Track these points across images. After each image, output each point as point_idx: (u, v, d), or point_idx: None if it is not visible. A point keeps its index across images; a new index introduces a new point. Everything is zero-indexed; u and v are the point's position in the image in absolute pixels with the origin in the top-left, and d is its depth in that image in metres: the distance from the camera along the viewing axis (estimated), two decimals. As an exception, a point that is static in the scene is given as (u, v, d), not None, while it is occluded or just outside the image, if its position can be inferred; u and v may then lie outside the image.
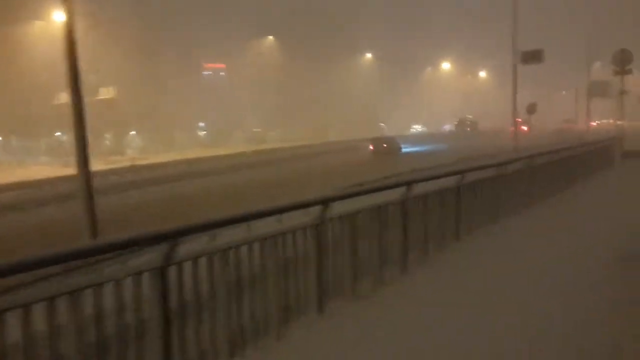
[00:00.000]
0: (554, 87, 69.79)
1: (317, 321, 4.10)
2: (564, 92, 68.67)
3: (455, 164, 17.86)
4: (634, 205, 8.97)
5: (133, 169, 28.37)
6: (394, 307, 4.59)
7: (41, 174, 26.51)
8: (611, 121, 21.94)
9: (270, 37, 54.94)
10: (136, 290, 2.72)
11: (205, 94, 52.19)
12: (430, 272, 5.64)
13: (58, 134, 44.16)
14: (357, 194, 4.62)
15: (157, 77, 47.37)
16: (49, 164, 36.87)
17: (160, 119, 48.90)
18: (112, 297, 2.61)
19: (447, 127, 63.68)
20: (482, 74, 75.93)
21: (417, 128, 68.39)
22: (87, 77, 39.60)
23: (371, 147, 35.46)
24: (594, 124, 51.93)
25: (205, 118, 54.78)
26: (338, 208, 4.53)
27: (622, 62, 16.33)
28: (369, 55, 64.31)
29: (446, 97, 67.70)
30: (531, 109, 35.78)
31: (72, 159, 31.90)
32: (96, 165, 34.53)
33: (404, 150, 35.58)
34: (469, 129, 56.82)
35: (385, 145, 35.18)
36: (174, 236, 2.79)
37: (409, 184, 5.31)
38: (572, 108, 54.48)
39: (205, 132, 55.59)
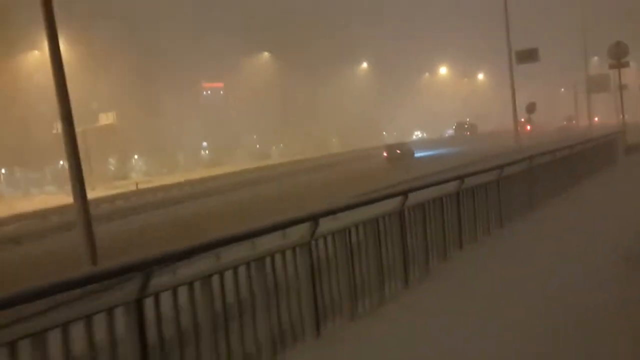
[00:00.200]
0: (554, 84, 69.46)
1: (314, 346, 3.87)
2: (562, 90, 68.31)
3: (473, 164, 18.20)
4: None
5: (137, 193, 28.30)
6: (397, 325, 4.36)
7: (46, 204, 26.50)
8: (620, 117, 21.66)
9: (266, 53, 55.16)
10: (110, 326, 2.53)
11: (206, 113, 52.36)
12: (433, 284, 5.42)
13: (61, 162, 44.22)
14: (347, 207, 4.41)
15: (156, 100, 47.55)
16: (54, 194, 36.86)
17: (163, 141, 49.02)
18: (83, 335, 2.43)
19: (450, 132, 63.47)
20: (480, 76, 75.84)
21: (418, 134, 68.25)
22: (87, 105, 39.79)
23: (385, 154, 35.81)
24: (594, 120, 51.57)
25: (206, 137, 54.89)
26: (331, 224, 4.35)
27: (617, 55, 16.13)
28: (365, 65, 64.45)
29: (445, 101, 67.54)
30: (531, 109, 35.61)
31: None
32: (101, 190, 34.80)
33: (416, 155, 36.17)
34: (467, 132, 56.39)
35: (398, 152, 35.50)
36: (147, 267, 2.61)
37: (404, 193, 5.10)
38: (572, 105, 54.15)
39: (207, 152, 55.62)
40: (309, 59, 53.87)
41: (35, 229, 18.68)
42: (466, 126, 58.41)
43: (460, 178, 6.38)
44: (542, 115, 50.84)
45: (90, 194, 32.41)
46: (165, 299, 2.82)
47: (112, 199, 26.02)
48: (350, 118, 58.78)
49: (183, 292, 2.94)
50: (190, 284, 2.95)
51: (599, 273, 5.23)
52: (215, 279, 3.10)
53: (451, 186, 6.38)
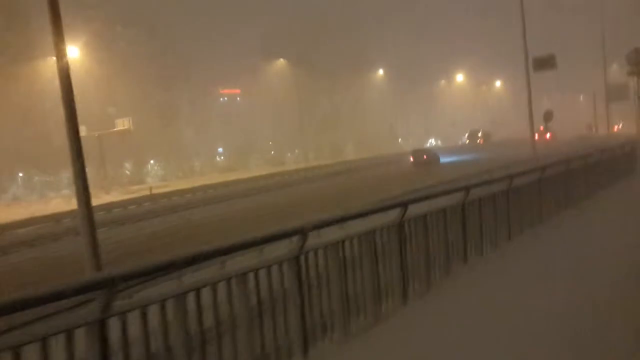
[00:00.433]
0: (573, 92, 68.53)
1: (301, 368, 3.66)
2: (581, 97, 67.39)
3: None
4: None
5: (150, 197, 28.43)
6: (393, 346, 4.12)
7: (61, 208, 26.73)
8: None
9: (282, 60, 55.25)
10: (69, 350, 2.36)
11: (222, 119, 52.62)
12: (434, 301, 5.16)
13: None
14: (341, 219, 4.19)
15: (173, 106, 47.93)
16: (70, 197, 37.16)
17: (179, 147, 49.33)
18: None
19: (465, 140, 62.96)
20: (498, 83, 75.11)
21: (432, 142, 67.77)
22: (105, 110, 40.14)
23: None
24: (615, 128, 50.67)
25: (222, 143, 55.11)
26: (325, 237, 4.16)
27: (636, 62, 15.74)
28: (381, 72, 64.20)
29: (462, 109, 66.98)
30: (548, 117, 35.04)
31: (94, 191, 32.00)
32: (116, 195, 35.06)
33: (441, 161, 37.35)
34: (479, 141, 55.75)
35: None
36: (111, 284, 2.44)
37: (404, 204, 4.89)
38: (591, 113, 53.29)
39: (222, 157, 55.79)
40: (325, 65, 53.87)
41: (48, 232, 18.80)
42: (479, 134, 57.79)
43: (466, 189, 6.14)
44: (561, 124, 50.11)
45: (105, 198, 32.82)
46: (135, 318, 2.64)
47: (125, 203, 26.19)
48: (366, 125, 58.63)
49: (156, 312, 2.76)
50: (162, 303, 2.77)
51: (613, 296, 4.93)
52: (192, 297, 2.92)
53: (455, 198, 6.13)
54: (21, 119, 38.47)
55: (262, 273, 3.41)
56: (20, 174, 43.41)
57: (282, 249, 3.69)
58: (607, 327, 4.37)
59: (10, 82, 37.95)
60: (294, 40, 52.49)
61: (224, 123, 52.88)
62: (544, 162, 9.56)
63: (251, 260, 3.60)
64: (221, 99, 56.36)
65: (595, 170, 11.55)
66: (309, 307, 3.75)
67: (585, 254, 6.58)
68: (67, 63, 9.91)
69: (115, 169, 44.57)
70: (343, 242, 4.21)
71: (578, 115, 60.99)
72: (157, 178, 47.50)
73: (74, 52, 39.34)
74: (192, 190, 30.29)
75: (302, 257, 3.73)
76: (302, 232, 3.62)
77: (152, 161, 50.03)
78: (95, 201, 30.13)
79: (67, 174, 44.78)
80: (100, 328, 2.42)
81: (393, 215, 4.93)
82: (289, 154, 56.69)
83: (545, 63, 27.26)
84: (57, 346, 2.32)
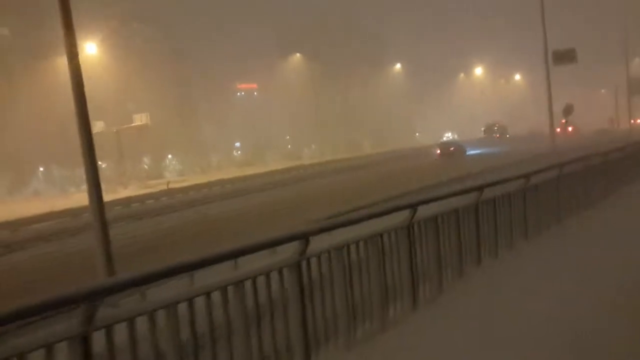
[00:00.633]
0: (594, 86, 67.35)
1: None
2: (603, 91, 66.17)
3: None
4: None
5: (168, 192, 28.53)
6: (401, 353, 3.95)
7: (80, 202, 26.94)
8: None
9: (298, 55, 55.08)
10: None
11: (239, 114, 52.74)
12: (446, 305, 4.98)
13: (99, 163, 44.97)
14: (343, 224, 4.03)
15: (191, 101, 48.15)
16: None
17: (197, 141, 49.57)
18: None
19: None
20: (517, 77, 74.06)
21: (448, 136, 67.05)
22: (124, 105, 40.52)
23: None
24: (637, 121, 49.71)
25: (239, 138, 55.26)
26: (329, 240, 4.00)
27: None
28: (398, 66, 63.69)
29: (480, 103, 66.15)
30: (568, 110, 34.39)
31: (112, 186, 32.22)
32: (134, 190, 35.37)
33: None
34: (497, 135, 54.82)
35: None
36: (94, 297, 2.32)
37: (412, 206, 4.71)
38: (612, 107, 52.33)
39: (239, 152, 55.93)
40: (342, 60, 53.65)
41: (66, 227, 18.93)
42: (496, 128, 56.79)
43: (480, 189, 5.93)
44: (581, 117, 49.26)
45: (123, 193, 33.07)
46: (121, 331, 2.52)
47: (142, 198, 26.32)
48: (383, 119, 58.26)
49: (144, 323, 2.63)
50: (151, 314, 2.64)
51: (634, 300, 4.69)
52: (184, 306, 2.79)
53: (469, 197, 5.92)
54: (43, 114, 38.96)
55: (261, 280, 3.27)
56: (41, 169, 43.99)
57: (282, 253, 3.55)
58: (629, 331, 4.18)
59: (33, 78, 38.47)
60: (310, 36, 52.33)
61: (241, 118, 53.01)
62: (562, 159, 9.26)
63: (248, 266, 3.45)
64: (238, 94, 56.48)
65: (617, 166, 11.21)
66: (311, 313, 3.61)
67: (606, 255, 6.33)
68: (77, 59, 9.82)
69: (133, 163, 44.94)
70: (348, 245, 4.05)
71: (599, 109, 59.91)
72: (174, 173, 47.81)
73: (92, 48, 39.68)
74: (209, 184, 30.35)
75: (304, 263, 3.58)
76: (304, 237, 3.47)
77: (169, 156, 50.36)
78: (113, 196, 30.55)
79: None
80: (83, 342, 2.30)
81: (402, 216, 4.76)
82: (305, 149, 56.62)
83: (565, 56, 26.72)
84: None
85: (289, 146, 57.12)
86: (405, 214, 4.72)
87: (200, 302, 2.88)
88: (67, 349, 2.28)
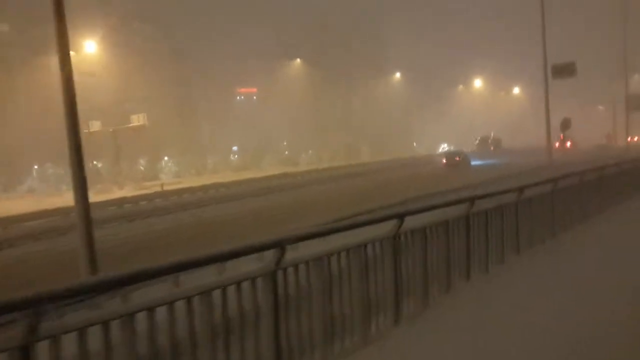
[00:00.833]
0: (592, 102, 67.56)
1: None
2: (601, 107, 66.38)
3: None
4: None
5: (162, 194, 28.32)
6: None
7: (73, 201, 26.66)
8: None
9: (298, 60, 55.01)
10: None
11: (238, 118, 52.58)
12: (431, 321, 4.78)
13: (94, 162, 44.74)
14: (321, 234, 3.82)
15: (190, 103, 47.98)
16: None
17: (194, 144, 49.36)
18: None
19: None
20: (516, 90, 74.16)
21: (444, 147, 67.00)
22: (121, 106, 40.19)
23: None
24: (634, 139, 49.78)
25: (237, 142, 55.06)
26: (310, 249, 3.82)
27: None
28: (398, 75, 63.69)
29: (478, 114, 66.12)
30: (565, 125, 34.37)
31: (107, 186, 31.91)
32: (128, 190, 35.15)
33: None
34: (491, 147, 54.58)
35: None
36: (37, 304, 2.11)
37: (399, 216, 4.53)
38: (610, 123, 52.45)
39: (236, 156, 55.72)
40: (342, 67, 53.59)
41: (56, 226, 18.69)
42: (490, 140, 56.52)
43: (471, 200, 5.75)
44: (579, 132, 49.37)
45: (118, 193, 32.81)
46: (70, 341, 2.32)
47: (137, 199, 26.09)
48: (382, 128, 58.16)
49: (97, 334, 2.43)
50: (105, 324, 2.44)
51: (623, 317, 4.51)
52: (143, 317, 2.58)
53: (459, 209, 5.74)
54: (39, 112, 38.71)
55: (231, 290, 3.06)
56: (36, 167, 43.70)
57: (257, 262, 3.35)
58: (622, 352, 4.01)
59: (31, 75, 38.23)
60: (311, 41, 52.28)
61: (240, 122, 52.83)
62: (557, 173, 9.11)
63: (217, 275, 3.25)
64: (237, 98, 56.33)
65: (612, 182, 11.06)
66: (285, 327, 3.41)
67: (600, 272, 6.17)
68: (69, 59, 9.69)
69: (130, 164, 44.67)
70: (329, 256, 3.85)
71: (597, 124, 60.04)
72: (170, 175, 47.55)
73: (91, 47, 39.52)
74: (204, 188, 30.13)
75: (280, 273, 3.39)
76: (280, 246, 3.28)
77: (166, 158, 50.11)
78: (108, 196, 30.26)
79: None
80: (24, 354, 2.11)
81: (389, 226, 4.57)
82: (303, 155, 56.46)
83: (564, 70, 26.65)
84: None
85: (287, 152, 56.96)
86: (392, 224, 4.53)
87: (161, 313, 2.68)
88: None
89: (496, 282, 6.01)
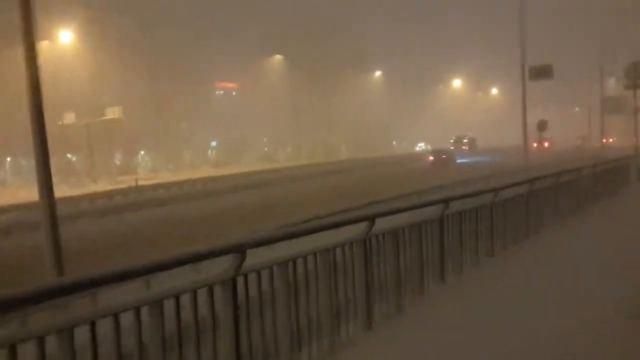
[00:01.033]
0: (569, 103, 68.66)
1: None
2: (577, 109, 67.48)
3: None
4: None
5: (137, 189, 27.83)
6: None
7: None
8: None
9: (278, 56, 54.68)
10: None
11: (217, 113, 52.08)
12: (404, 325, 4.62)
13: (68, 155, 43.92)
14: (285, 237, 3.60)
15: (168, 97, 47.32)
16: (57, 184, 36.57)
17: (171, 139, 48.74)
18: None
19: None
20: (494, 91, 74.87)
21: (421, 146, 67.33)
22: (96, 98, 39.43)
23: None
24: (609, 140, 50.67)
25: (216, 137, 54.57)
26: (270, 253, 3.62)
27: (634, 76, 15.33)
28: (378, 73, 63.77)
29: (456, 115, 66.54)
30: (542, 126, 34.85)
31: (82, 180, 31.29)
32: (103, 185, 34.55)
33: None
34: (465, 147, 54.60)
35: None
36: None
37: (370, 218, 4.36)
38: (586, 125, 53.35)
39: (214, 152, 55.22)
40: (322, 64, 53.41)
41: (29, 220, 18.15)
42: (465, 140, 56.52)
43: (445, 202, 5.62)
44: (555, 134, 50.10)
45: (91, 187, 32.16)
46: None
47: (111, 194, 25.57)
48: (361, 126, 58.16)
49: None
50: (41, 341, 2.20)
51: (598, 333, 4.40)
52: (85, 330, 2.35)
53: (433, 211, 5.60)
54: (13, 103, 37.72)
55: (185, 299, 2.84)
56: (9, 159, 42.68)
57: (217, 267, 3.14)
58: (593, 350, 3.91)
59: (3, 66, 37.21)
60: (292, 37, 52.00)
61: (219, 117, 52.34)
62: (533, 174, 9.07)
63: (170, 282, 3.02)
64: (217, 93, 55.81)
65: (587, 183, 11.09)
66: (246, 336, 3.20)
67: (575, 274, 6.11)
68: (34, 48, 9.27)
69: (105, 158, 43.92)
70: (295, 260, 3.66)
71: (574, 126, 61.06)
72: (147, 169, 46.90)
73: (67, 37, 38.66)
74: (179, 183, 29.70)
75: (241, 279, 3.18)
76: (239, 250, 3.07)
77: (142, 152, 49.41)
78: (81, 190, 29.64)
79: (55, 160, 44.14)
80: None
81: (359, 228, 4.40)
82: (281, 151, 56.21)
83: (541, 72, 26.91)
84: None
85: (266, 148, 56.64)
86: (363, 226, 4.36)
87: (106, 325, 2.45)
88: None
89: (471, 285, 5.91)
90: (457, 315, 4.92)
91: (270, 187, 28.21)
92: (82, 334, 2.35)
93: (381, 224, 4.73)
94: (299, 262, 3.70)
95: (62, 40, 38.43)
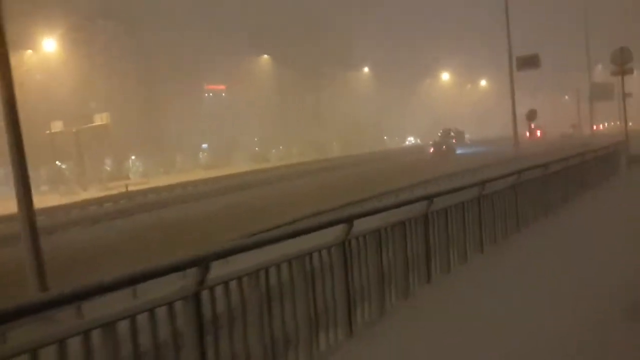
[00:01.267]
0: (558, 92, 68.77)
1: None
2: (566, 97, 67.57)
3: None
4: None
5: (126, 195, 27.52)
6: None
7: (36, 204, 25.74)
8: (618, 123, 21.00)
9: (265, 56, 54.49)
10: None
11: (206, 115, 51.87)
12: (388, 330, 4.41)
13: (58, 163, 43.54)
14: (249, 247, 3.39)
15: (157, 101, 47.06)
16: (47, 193, 36.34)
17: (162, 143, 48.48)
18: None
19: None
20: (483, 82, 74.85)
21: (411, 140, 67.16)
22: (84, 105, 39.06)
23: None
24: (600, 127, 50.78)
25: (206, 139, 54.35)
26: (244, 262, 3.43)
27: (621, 61, 15.19)
28: (366, 70, 63.66)
29: (446, 107, 66.41)
30: (531, 116, 34.77)
31: (72, 187, 30.98)
32: (94, 192, 34.23)
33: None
34: (453, 140, 54.14)
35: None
36: None
37: (348, 220, 4.17)
38: (575, 112, 53.39)
39: (206, 154, 54.97)
40: (310, 62, 53.24)
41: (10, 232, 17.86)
42: (452, 134, 55.89)
43: (429, 199, 5.44)
44: (547, 122, 50.16)
45: (82, 195, 31.82)
46: None
47: (101, 201, 25.25)
48: (351, 122, 58.01)
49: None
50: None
51: (594, 333, 4.23)
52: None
53: (417, 208, 5.41)
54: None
55: (143, 318, 2.64)
56: (-1, 170, 42.23)
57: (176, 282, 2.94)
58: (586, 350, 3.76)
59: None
60: (278, 37, 51.81)
61: (209, 119, 52.13)
62: (521, 165, 8.92)
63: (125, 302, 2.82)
64: (206, 95, 55.58)
65: (578, 172, 10.95)
66: (214, 354, 3.00)
67: (565, 266, 5.95)
68: (7, 56, 9.00)
69: (95, 165, 43.58)
70: (267, 269, 3.46)
71: (564, 114, 61.10)
72: (138, 174, 46.57)
73: (50, 45, 38.20)
74: (170, 187, 29.40)
75: (206, 293, 2.98)
76: (202, 263, 2.87)
77: (133, 157, 49.06)
78: (71, 198, 29.31)
79: (45, 170, 43.70)
80: None
81: (338, 231, 4.21)
82: (273, 151, 55.97)
83: (528, 62, 26.80)
84: None
85: (257, 148, 56.41)
86: (340, 229, 4.17)
87: (50, 352, 2.26)
88: None
89: (459, 284, 5.72)
90: (443, 317, 4.74)
91: (261, 188, 27.98)
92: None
93: (363, 224, 4.55)
94: (272, 270, 3.50)
95: (46, 48, 38.03)
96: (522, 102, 34.72)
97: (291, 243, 3.69)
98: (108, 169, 46.20)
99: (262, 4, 50.38)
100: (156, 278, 2.69)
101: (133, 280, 2.57)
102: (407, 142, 65.18)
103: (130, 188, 30.44)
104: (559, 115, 60.35)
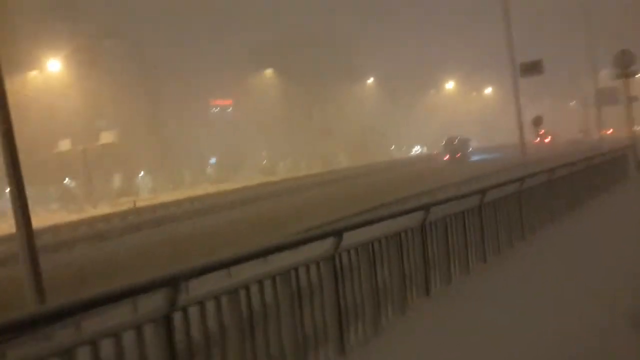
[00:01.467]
0: (564, 98, 68.27)
1: None
2: (572, 103, 67.04)
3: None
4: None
5: (135, 211, 27.58)
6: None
7: (44, 222, 25.91)
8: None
9: (270, 70, 54.74)
10: None
11: (214, 130, 52.11)
12: (383, 349, 4.21)
13: (66, 181, 43.82)
14: (225, 264, 3.18)
15: (163, 118, 47.39)
16: (57, 211, 36.58)
17: (170, 159, 48.68)
18: None
19: None
20: (488, 90, 74.45)
21: (417, 149, 66.77)
22: (93, 124, 39.30)
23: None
24: (608, 132, 50.15)
25: (214, 154, 54.58)
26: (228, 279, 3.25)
27: (624, 64, 14.89)
28: (371, 80, 63.69)
29: (452, 116, 65.97)
30: (537, 122, 34.37)
31: (82, 205, 31.21)
32: (103, 209, 34.39)
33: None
34: (470, 148, 53.28)
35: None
36: None
37: (337, 233, 3.98)
38: (582, 118, 52.94)
39: (214, 168, 55.13)
40: (315, 75, 53.38)
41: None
42: (455, 142, 54.87)
43: (425, 208, 5.24)
44: (556, 129, 49.75)
45: (91, 212, 31.97)
46: None
47: (106, 218, 25.26)
48: (358, 133, 57.92)
49: None
50: None
51: (601, 344, 4.01)
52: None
53: (414, 218, 5.21)
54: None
55: (107, 345, 2.46)
56: (7, 190, 42.49)
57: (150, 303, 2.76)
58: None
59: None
60: (281, 50, 52.07)
61: (216, 134, 52.36)
62: (525, 171, 8.69)
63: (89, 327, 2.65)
64: (213, 110, 55.90)
65: (585, 177, 10.69)
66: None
67: (571, 276, 5.71)
68: (2, 81, 8.91)
69: (104, 182, 43.80)
70: (248, 287, 3.28)
71: (571, 120, 60.65)
72: (146, 190, 46.71)
73: (55, 65, 38.47)
74: (178, 202, 29.38)
75: (179, 315, 2.80)
76: (172, 284, 2.69)
77: (142, 173, 49.25)
78: (80, 215, 29.49)
79: (55, 189, 43.94)
80: None
81: (327, 244, 4.02)
82: (281, 164, 55.97)
83: (532, 68, 26.53)
84: None
85: (264, 161, 56.46)
86: (329, 242, 3.98)
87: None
88: None
89: (460, 296, 5.50)
90: (443, 332, 4.51)
91: (269, 201, 27.84)
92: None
93: (355, 237, 4.37)
94: (254, 288, 3.32)
95: (51, 69, 38.32)
96: (528, 109, 34.34)
97: (280, 257, 3.51)
98: (116, 186, 46.42)
99: (266, 17, 50.67)
100: (120, 301, 2.52)
101: (93, 304, 2.39)
102: (414, 151, 64.82)
103: (139, 204, 30.52)
104: (567, 121, 59.89)
